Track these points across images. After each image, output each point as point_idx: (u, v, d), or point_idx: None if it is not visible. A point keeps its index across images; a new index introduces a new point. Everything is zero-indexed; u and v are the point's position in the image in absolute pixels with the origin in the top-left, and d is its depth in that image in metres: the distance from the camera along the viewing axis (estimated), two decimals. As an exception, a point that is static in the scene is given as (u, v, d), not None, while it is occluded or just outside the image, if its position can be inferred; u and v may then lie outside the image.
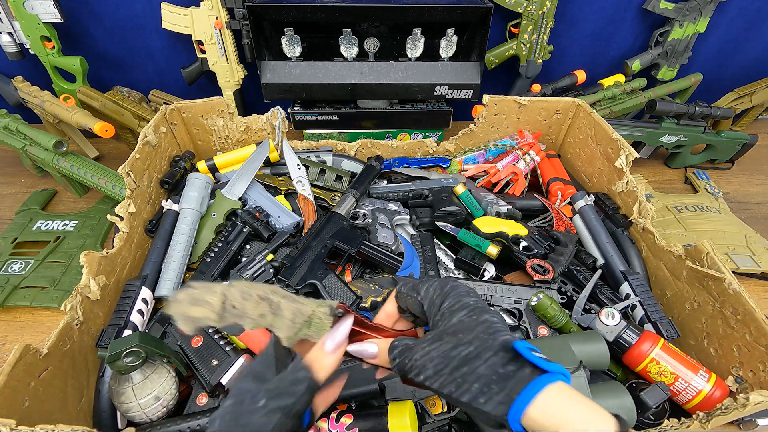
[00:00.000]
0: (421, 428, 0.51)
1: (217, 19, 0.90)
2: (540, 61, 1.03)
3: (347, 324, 0.33)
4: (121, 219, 0.65)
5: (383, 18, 0.88)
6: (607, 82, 1.03)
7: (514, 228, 0.69)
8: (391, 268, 0.66)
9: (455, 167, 0.88)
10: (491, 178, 0.84)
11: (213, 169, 0.83)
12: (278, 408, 0.27)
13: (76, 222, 0.82)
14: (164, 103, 0.95)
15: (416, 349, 0.30)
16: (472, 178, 0.86)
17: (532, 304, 0.58)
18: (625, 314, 0.61)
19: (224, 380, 0.52)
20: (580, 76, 1.02)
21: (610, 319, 0.56)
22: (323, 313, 0.34)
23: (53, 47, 0.90)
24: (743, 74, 1.12)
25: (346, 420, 0.48)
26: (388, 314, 0.38)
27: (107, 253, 0.60)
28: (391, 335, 0.36)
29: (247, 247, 0.70)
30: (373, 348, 0.34)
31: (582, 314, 0.60)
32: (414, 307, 0.35)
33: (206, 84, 1.04)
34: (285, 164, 0.83)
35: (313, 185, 0.81)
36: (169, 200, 0.72)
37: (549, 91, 1.02)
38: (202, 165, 0.82)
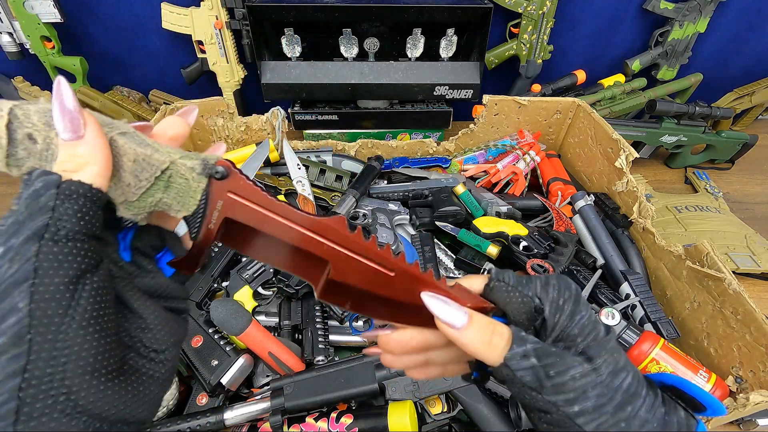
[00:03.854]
0: (421, 428, 0.51)
1: (217, 19, 0.90)
2: (540, 61, 1.03)
3: (64, 87, 0.20)
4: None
5: (383, 18, 0.88)
6: (607, 82, 1.03)
7: (514, 228, 0.69)
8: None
9: (455, 167, 0.88)
10: (491, 178, 0.84)
11: (213, 169, 0.83)
12: (25, 240, 0.18)
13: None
14: (164, 103, 0.95)
15: (567, 364, 0.22)
16: (472, 178, 0.86)
17: (532, 304, 0.58)
18: (625, 314, 0.61)
19: (224, 380, 0.52)
20: (580, 76, 1.02)
21: (610, 319, 0.56)
22: (189, 168, 0.21)
23: (53, 47, 0.90)
24: (743, 74, 1.12)
25: (346, 420, 0.48)
26: (465, 289, 0.26)
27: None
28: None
29: (247, 247, 0.70)
30: (462, 318, 0.23)
31: (582, 314, 0.60)
32: (514, 305, 0.25)
33: (206, 84, 1.04)
34: (285, 164, 0.83)
35: (313, 185, 0.81)
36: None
37: (549, 91, 1.02)
38: (202, 165, 0.82)
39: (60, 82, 0.20)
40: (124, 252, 0.23)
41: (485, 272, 0.68)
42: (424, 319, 0.25)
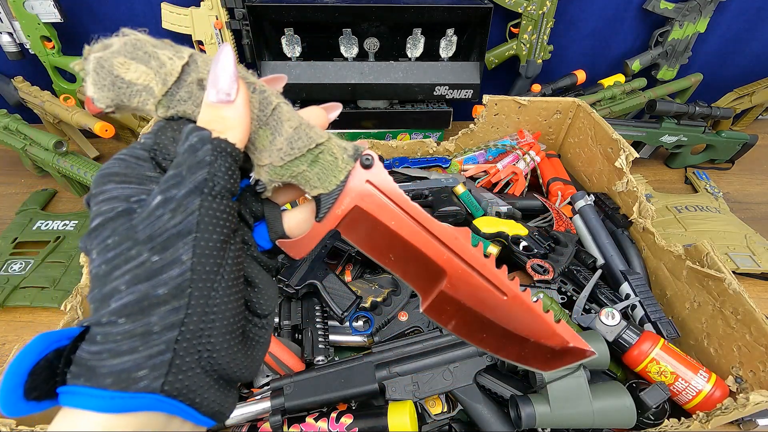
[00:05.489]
0: (421, 428, 0.51)
1: (217, 19, 0.90)
2: (540, 61, 1.03)
3: (229, 53, 0.20)
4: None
5: (383, 18, 0.88)
6: (607, 82, 1.03)
7: (514, 228, 0.69)
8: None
9: (455, 167, 0.88)
10: (491, 178, 0.83)
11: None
12: (188, 193, 0.18)
13: (76, 222, 0.82)
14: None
15: None
16: (472, 178, 0.85)
17: (532, 304, 0.58)
18: (625, 314, 0.61)
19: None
20: (580, 76, 1.02)
21: (610, 319, 0.56)
22: (342, 148, 0.22)
23: (53, 47, 0.90)
24: (743, 74, 1.12)
25: (346, 420, 0.48)
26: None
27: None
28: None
29: (247, 247, 0.70)
30: None
31: (582, 314, 0.60)
32: None
33: (206, 84, 1.04)
34: (285, 164, 0.82)
35: (313, 185, 0.81)
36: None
37: (549, 91, 1.02)
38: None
39: (225, 48, 0.20)
40: None
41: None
42: (527, 352, 0.24)
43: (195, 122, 0.20)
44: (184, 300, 0.17)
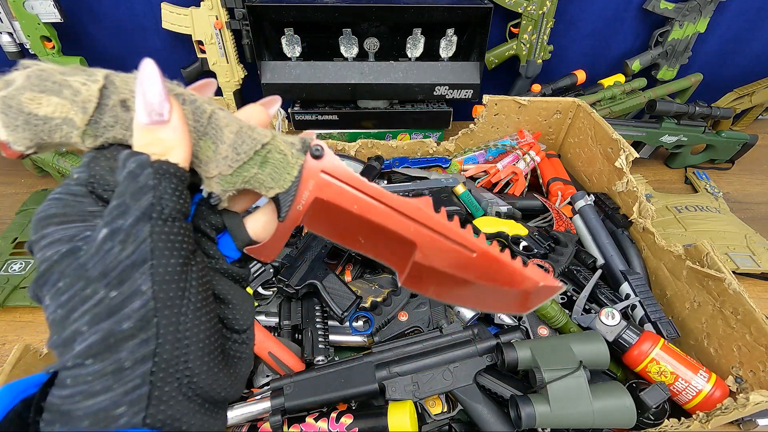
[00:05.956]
0: (421, 428, 0.51)
1: (217, 19, 0.90)
2: (540, 61, 1.03)
3: (152, 68, 0.19)
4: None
5: (383, 18, 0.88)
6: (607, 82, 1.03)
7: (514, 228, 0.69)
8: (390, 268, 0.66)
9: (455, 167, 0.88)
10: (491, 178, 0.83)
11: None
12: (136, 220, 0.17)
13: (76, 222, 0.82)
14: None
15: None
16: (472, 178, 0.86)
17: (532, 304, 0.58)
18: (625, 314, 0.61)
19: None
20: (580, 76, 1.02)
21: (610, 319, 0.56)
22: (289, 143, 0.22)
23: (53, 47, 0.90)
24: (743, 74, 1.12)
25: (346, 420, 0.48)
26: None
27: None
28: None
29: (247, 247, 0.70)
30: None
31: (582, 314, 0.60)
32: None
33: (206, 84, 1.04)
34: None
35: (313, 185, 0.81)
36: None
37: (549, 91, 1.02)
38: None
39: (146, 63, 0.19)
40: None
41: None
42: (505, 302, 0.25)
43: (128, 146, 0.19)
44: (152, 331, 0.17)
